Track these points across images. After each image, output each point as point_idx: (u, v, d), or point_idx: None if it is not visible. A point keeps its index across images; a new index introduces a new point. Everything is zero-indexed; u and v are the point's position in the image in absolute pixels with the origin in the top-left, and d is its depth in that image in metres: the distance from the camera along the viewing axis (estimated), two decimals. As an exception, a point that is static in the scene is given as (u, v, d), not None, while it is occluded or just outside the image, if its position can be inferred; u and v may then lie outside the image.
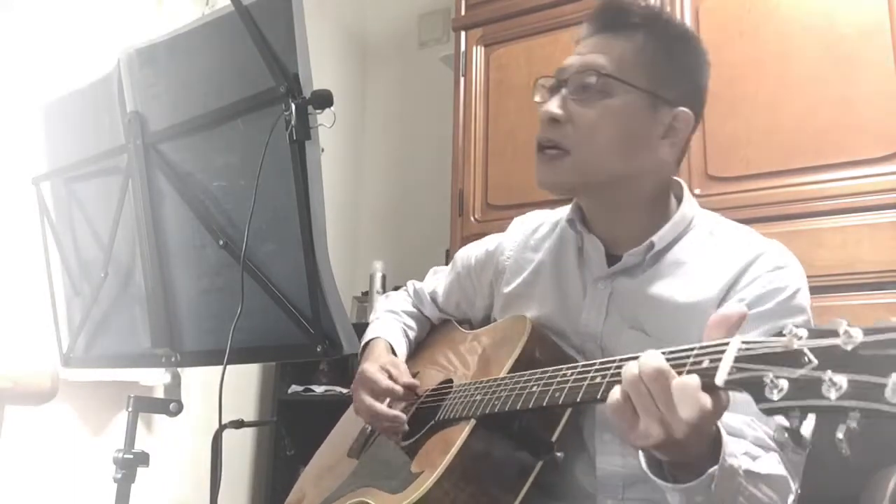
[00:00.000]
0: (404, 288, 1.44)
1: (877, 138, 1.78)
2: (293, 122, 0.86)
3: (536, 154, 1.05)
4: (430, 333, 1.38)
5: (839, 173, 1.81)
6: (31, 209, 1.27)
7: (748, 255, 0.99)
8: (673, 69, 1.03)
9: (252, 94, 0.94)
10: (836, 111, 1.84)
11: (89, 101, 1.18)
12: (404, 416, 1.08)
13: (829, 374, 0.57)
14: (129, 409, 1.09)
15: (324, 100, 0.87)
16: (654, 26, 1.04)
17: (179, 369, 1.12)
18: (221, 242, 0.99)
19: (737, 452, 0.78)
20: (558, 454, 0.92)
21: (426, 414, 1.07)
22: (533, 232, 1.21)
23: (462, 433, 0.93)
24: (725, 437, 0.74)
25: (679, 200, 1.07)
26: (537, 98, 1.08)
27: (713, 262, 1.00)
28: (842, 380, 0.56)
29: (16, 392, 1.53)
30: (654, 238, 1.02)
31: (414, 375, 1.25)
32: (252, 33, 0.90)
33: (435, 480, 0.89)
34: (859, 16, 1.85)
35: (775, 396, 0.60)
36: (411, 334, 1.34)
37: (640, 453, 0.77)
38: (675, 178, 1.10)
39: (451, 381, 1.13)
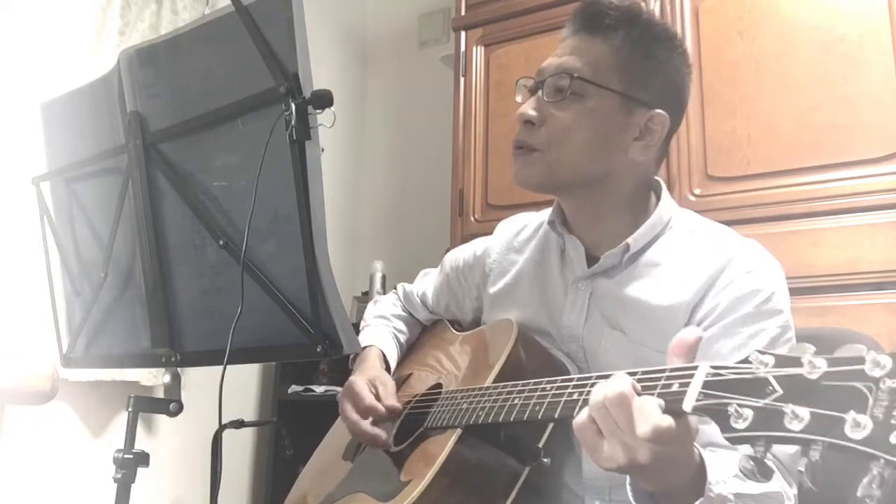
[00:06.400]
0: (393, 291, 1.44)
1: (877, 138, 1.78)
2: (293, 122, 0.86)
3: (513, 154, 1.07)
4: (422, 334, 1.38)
5: (839, 173, 1.81)
6: (31, 209, 1.27)
7: (722, 257, 0.99)
8: (650, 70, 1.03)
9: (252, 94, 0.93)
10: (836, 111, 1.84)
11: (89, 101, 1.18)
12: (384, 436, 1.07)
13: (791, 406, 0.57)
14: (129, 409, 1.09)
15: (324, 100, 0.87)
16: (633, 27, 1.04)
17: (179, 369, 1.12)
18: (221, 242, 0.99)
19: (725, 477, 0.76)
20: (545, 460, 0.92)
21: (416, 419, 1.07)
22: (516, 234, 1.22)
23: (448, 442, 0.93)
24: (710, 467, 0.74)
25: (658, 200, 1.08)
26: (518, 98, 1.10)
27: (689, 264, 1.01)
28: (804, 412, 0.56)
29: (16, 392, 1.53)
30: (630, 240, 1.03)
31: (406, 377, 1.25)
32: (252, 33, 0.90)
33: (422, 490, 0.89)
34: (859, 16, 1.85)
35: (741, 426, 0.60)
36: (402, 338, 1.34)
37: (628, 485, 0.77)
38: (656, 178, 1.10)
39: (440, 385, 1.13)
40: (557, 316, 1.08)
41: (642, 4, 2.14)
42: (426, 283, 1.39)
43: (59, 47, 2.09)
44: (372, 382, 1.14)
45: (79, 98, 1.21)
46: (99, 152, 1.15)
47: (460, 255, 1.31)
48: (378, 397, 1.11)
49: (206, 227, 1.01)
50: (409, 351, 1.35)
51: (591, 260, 1.07)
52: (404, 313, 1.38)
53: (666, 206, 1.07)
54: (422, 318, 1.38)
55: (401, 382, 1.25)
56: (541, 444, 0.92)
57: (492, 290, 1.20)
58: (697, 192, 1.97)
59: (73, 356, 1.24)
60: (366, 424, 1.08)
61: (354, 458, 1.19)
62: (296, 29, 0.88)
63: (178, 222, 1.05)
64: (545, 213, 1.18)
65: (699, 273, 0.99)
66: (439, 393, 1.08)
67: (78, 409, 2.12)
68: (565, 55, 1.05)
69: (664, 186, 1.10)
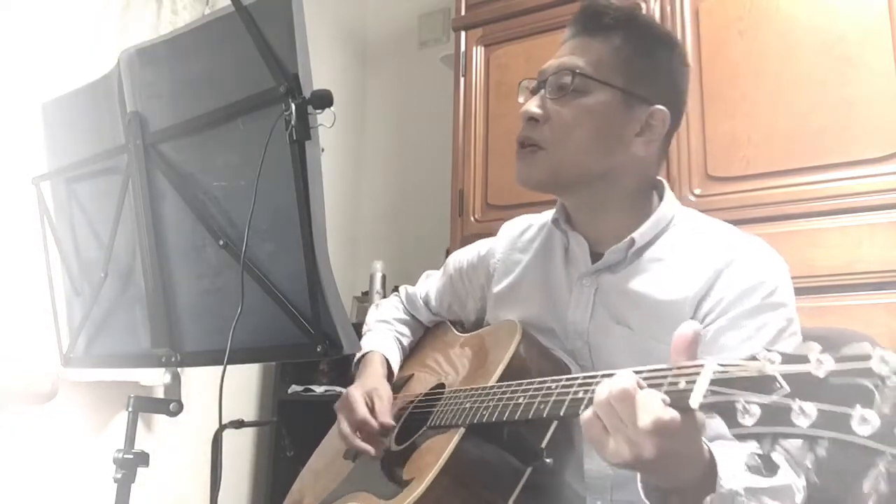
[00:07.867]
0: (396, 294, 1.45)
1: (877, 138, 1.78)
2: (293, 122, 0.86)
3: (517, 152, 1.08)
4: (424, 335, 1.38)
5: (839, 173, 1.81)
6: (31, 209, 1.27)
7: (728, 253, 1.00)
8: (650, 68, 1.05)
9: (252, 94, 0.93)
10: (835, 111, 1.84)
11: (89, 100, 1.18)
12: (374, 451, 1.08)
13: (798, 402, 0.58)
14: (129, 409, 1.09)
15: (324, 100, 0.87)
16: (632, 27, 1.06)
17: (179, 369, 1.12)
18: (221, 242, 0.99)
19: (736, 472, 0.77)
20: (548, 461, 0.92)
21: (419, 418, 1.07)
22: (521, 234, 1.23)
23: (451, 441, 0.93)
24: (720, 462, 0.75)
25: (661, 199, 1.09)
26: (521, 99, 1.12)
27: (693, 259, 1.02)
28: (811, 408, 0.57)
29: (16, 392, 1.54)
30: (635, 235, 1.04)
31: (407, 378, 1.26)
32: (252, 33, 0.90)
33: (425, 489, 0.90)
34: (859, 16, 1.85)
35: (748, 422, 0.61)
36: (405, 341, 1.35)
37: (639, 482, 0.78)
38: (659, 177, 1.11)
39: (443, 385, 1.13)
40: (562, 313, 1.09)
41: (643, 5, 2.14)
42: (429, 284, 1.39)
43: (59, 47, 2.09)
44: (369, 395, 1.15)
45: (79, 98, 1.21)
46: (99, 152, 1.15)
47: (464, 256, 1.32)
48: (373, 412, 1.12)
49: (206, 227, 1.01)
50: (410, 352, 1.36)
51: (595, 256, 1.08)
52: (406, 316, 1.39)
53: (669, 205, 1.08)
54: (424, 320, 1.39)
55: (402, 384, 1.25)
56: (543, 445, 0.92)
57: (496, 289, 1.21)
58: (697, 192, 1.97)
59: (73, 356, 1.24)
60: (356, 440, 1.10)
61: (356, 458, 1.19)
62: (296, 29, 0.88)
63: (179, 222, 1.05)
64: (548, 214, 1.19)
65: (704, 267, 1.00)
66: (442, 393, 1.08)
67: (78, 409, 2.12)
68: (566, 55, 1.07)
69: (667, 186, 1.11)
